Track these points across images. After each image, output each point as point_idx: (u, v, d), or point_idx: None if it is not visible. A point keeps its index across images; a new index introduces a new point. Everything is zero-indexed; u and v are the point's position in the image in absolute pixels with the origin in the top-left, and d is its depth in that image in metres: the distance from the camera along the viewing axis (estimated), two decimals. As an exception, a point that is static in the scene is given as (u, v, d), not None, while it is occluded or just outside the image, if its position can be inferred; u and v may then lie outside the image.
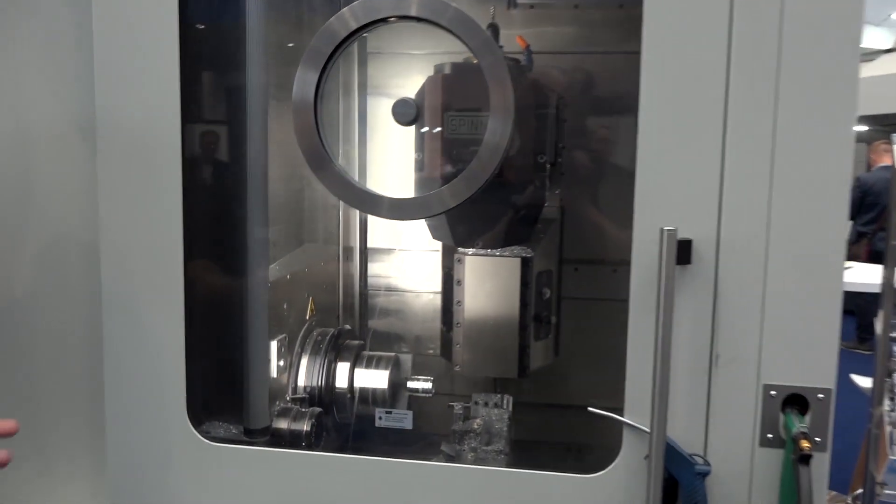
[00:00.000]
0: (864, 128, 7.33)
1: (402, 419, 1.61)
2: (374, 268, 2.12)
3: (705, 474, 1.21)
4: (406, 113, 1.35)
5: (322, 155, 1.29)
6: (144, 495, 1.42)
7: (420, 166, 1.56)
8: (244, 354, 1.48)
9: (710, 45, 1.18)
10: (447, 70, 1.56)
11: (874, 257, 5.77)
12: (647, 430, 1.21)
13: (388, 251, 2.12)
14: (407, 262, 2.11)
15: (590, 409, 1.26)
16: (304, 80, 1.29)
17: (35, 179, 1.44)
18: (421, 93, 1.54)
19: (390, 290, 2.12)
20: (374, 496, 1.36)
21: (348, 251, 2.08)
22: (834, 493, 3.01)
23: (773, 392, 1.21)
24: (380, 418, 1.61)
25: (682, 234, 1.19)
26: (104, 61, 1.34)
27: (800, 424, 1.18)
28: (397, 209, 1.32)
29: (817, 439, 1.20)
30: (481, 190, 1.29)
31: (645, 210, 1.22)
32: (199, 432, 1.38)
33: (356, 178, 1.88)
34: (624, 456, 1.27)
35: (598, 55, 1.94)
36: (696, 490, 1.20)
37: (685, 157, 1.21)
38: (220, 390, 1.56)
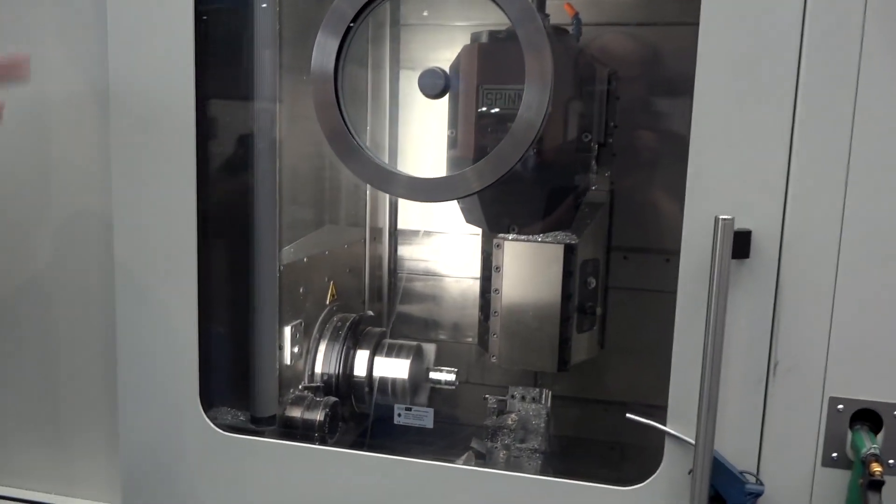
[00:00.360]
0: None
1: (423, 417, 1.52)
2: (408, 251, 2.03)
3: (757, 494, 1.09)
4: (433, 84, 1.24)
5: (341, 129, 1.19)
6: (155, 481, 1.38)
7: (453, 143, 1.45)
8: (252, 340, 1.42)
9: (782, 8, 1.03)
10: (484, 39, 1.44)
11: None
12: (692, 442, 1.08)
13: (425, 234, 2.03)
14: (445, 245, 2.01)
15: (628, 415, 1.15)
16: (324, 47, 1.19)
17: (54, 152, 1.42)
18: (456, 64, 1.43)
19: (425, 274, 2.02)
20: (392, 496, 1.28)
21: (377, 233, 2.00)
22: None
23: (840, 406, 1.08)
24: (398, 415, 1.52)
25: (740, 225, 1.06)
26: (118, 32, 1.29)
27: (871, 444, 1.04)
28: (416, 190, 1.22)
29: (891, 462, 1.06)
30: (512, 171, 1.17)
31: (698, 196, 1.09)
32: (208, 418, 1.32)
33: (380, 156, 1.79)
34: (665, 468, 1.15)
35: (658, 27, 1.79)
36: (747, 512, 1.08)
37: (747, 137, 1.07)
38: (229, 376, 1.50)
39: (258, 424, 1.45)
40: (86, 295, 1.43)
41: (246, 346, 1.47)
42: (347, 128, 1.20)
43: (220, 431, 1.32)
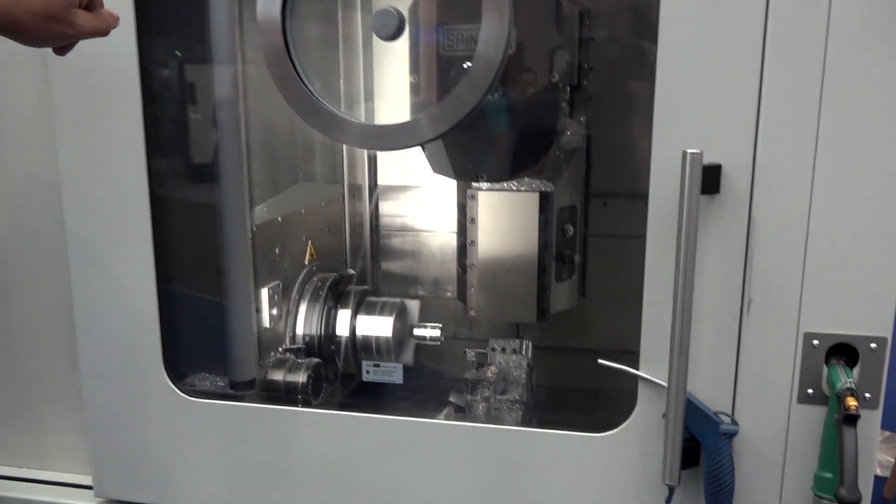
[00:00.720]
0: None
1: (392, 373, 1.49)
2: (388, 207, 1.99)
3: (732, 435, 1.07)
4: (387, 25, 1.18)
5: (291, 75, 1.14)
6: (124, 450, 1.36)
7: (416, 89, 1.40)
8: (226, 303, 1.38)
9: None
10: (443, -24, 1.37)
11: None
12: (665, 385, 1.06)
13: (404, 188, 1.98)
14: (425, 199, 1.96)
15: (600, 361, 1.12)
16: (269, -11, 1.12)
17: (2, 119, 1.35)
18: (415, 4, 1.36)
19: (405, 229, 1.98)
20: (371, 456, 1.26)
21: (356, 190, 1.94)
22: (888, 433, 2.83)
23: (815, 342, 1.05)
24: (367, 372, 1.49)
25: (710, 159, 1.02)
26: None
27: (847, 379, 1.02)
28: (369, 137, 1.16)
29: (867, 395, 1.04)
30: (472, 115, 1.11)
31: (665, 129, 1.05)
32: (182, 385, 1.29)
33: (356, 105, 1.73)
34: (640, 413, 1.13)
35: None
36: (721, 452, 1.06)
37: (715, 67, 1.02)
38: (206, 342, 1.47)
39: (237, 389, 1.42)
40: (44, 265, 1.39)
41: (222, 310, 1.43)
42: (298, 74, 1.14)
43: (186, 397, 1.29)
